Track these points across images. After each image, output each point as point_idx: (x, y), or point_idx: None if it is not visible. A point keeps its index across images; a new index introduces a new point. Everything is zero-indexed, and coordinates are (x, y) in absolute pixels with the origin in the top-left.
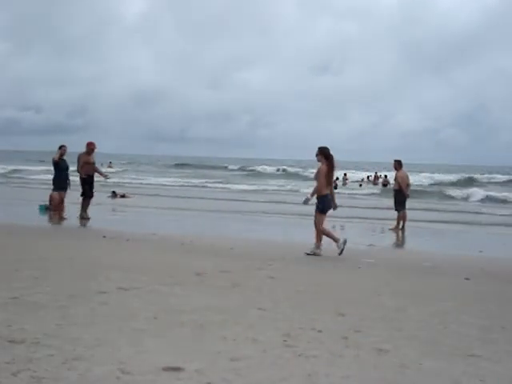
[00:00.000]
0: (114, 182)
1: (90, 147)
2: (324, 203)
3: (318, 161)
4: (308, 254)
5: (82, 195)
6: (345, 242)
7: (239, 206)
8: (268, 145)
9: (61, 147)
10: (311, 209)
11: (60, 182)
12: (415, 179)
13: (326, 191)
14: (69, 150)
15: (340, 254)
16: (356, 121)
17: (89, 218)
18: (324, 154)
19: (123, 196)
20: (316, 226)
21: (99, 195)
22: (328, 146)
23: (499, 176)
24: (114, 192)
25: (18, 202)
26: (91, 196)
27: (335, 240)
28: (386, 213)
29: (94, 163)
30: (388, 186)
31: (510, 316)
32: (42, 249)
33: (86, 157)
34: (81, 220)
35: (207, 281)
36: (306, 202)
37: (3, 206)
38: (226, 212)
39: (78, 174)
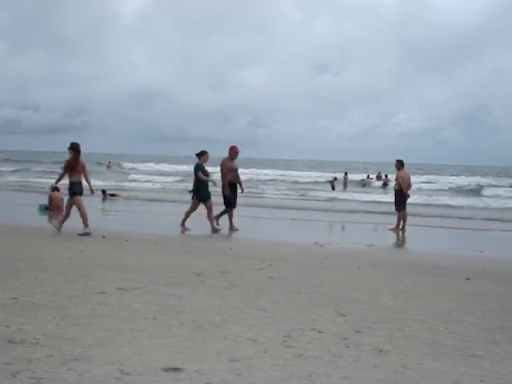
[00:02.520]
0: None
1: (234, 151)
2: (72, 188)
3: (69, 154)
4: (80, 235)
5: (225, 205)
6: (88, 233)
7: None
8: (268, 144)
9: (204, 153)
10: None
11: (207, 188)
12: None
13: (73, 179)
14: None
15: (82, 234)
16: (356, 120)
17: (237, 229)
18: (73, 148)
19: (113, 195)
20: (79, 209)
21: (95, 195)
22: (79, 142)
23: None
24: (103, 191)
25: (17, 203)
26: (234, 206)
27: (85, 223)
28: (386, 213)
29: (237, 170)
30: (389, 186)
31: (511, 316)
32: (42, 249)
33: (229, 162)
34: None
35: (207, 281)
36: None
37: (2, 206)
38: None
39: (218, 181)
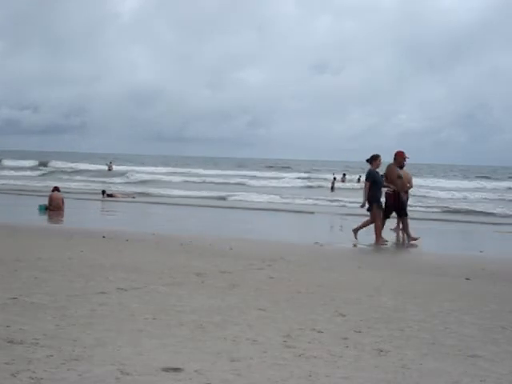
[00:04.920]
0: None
1: (401, 157)
2: None
3: None
4: None
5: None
6: None
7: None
8: (267, 144)
9: (377, 157)
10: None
11: (379, 197)
12: None
13: None
14: (68, 149)
15: None
16: (356, 120)
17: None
18: None
19: (110, 195)
20: None
21: (92, 196)
22: None
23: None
24: (103, 191)
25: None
26: (405, 214)
27: None
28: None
29: (402, 177)
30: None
31: (511, 316)
32: (42, 249)
33: (396, 169)
34: (406, 241)
35: (207, 281)
36: None
37: (3, 207)
38: None
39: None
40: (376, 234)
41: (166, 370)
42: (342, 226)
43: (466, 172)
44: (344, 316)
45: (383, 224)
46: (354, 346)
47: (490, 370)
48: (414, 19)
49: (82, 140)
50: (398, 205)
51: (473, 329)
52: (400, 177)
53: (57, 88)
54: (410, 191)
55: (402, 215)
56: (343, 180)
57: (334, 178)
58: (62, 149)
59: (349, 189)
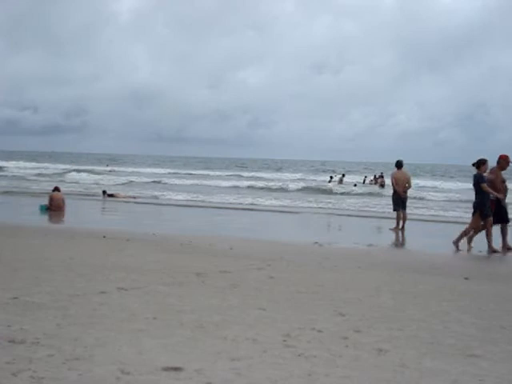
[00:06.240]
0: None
1: (505, 161)
2: None
3: None
4: None
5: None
6: None
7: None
8: (267, 145)
9: (485, 162)
10: None
11: (487, 203)
12: None
13: None
14: (67, 149)
15: None
16: (355, 120)
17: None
18: None
19: (111, 195)
20: None
21: (93, 196)
22: None
23: None
24: (104, 192)
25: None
26: (507, 220)
27: None
28: (385, 213)
29: (504, 181)
30: (385, 187)
31: (510, 316)
32: (42, 249)
33: (500, 173)
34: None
35: (207, 281)
36: None
37: (3, 206)
38: None
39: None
40: (489, 241)
41: (167, 369)
42: (333, 226)
43: (465, 172)
44: (344, 316)
45: (504, 229)
46: (353, 345)
47: (489, 370)
48: (414, 19)
49: (82, 140)
50: (498, 211)
51: (472, 328)
52: (503, 181)
53: (57, 88)
54: (409, 191)
55: (504, 222)
56: (341, 181)
57: (331, 177)
58: (62, 149)
59: (344, 189)
